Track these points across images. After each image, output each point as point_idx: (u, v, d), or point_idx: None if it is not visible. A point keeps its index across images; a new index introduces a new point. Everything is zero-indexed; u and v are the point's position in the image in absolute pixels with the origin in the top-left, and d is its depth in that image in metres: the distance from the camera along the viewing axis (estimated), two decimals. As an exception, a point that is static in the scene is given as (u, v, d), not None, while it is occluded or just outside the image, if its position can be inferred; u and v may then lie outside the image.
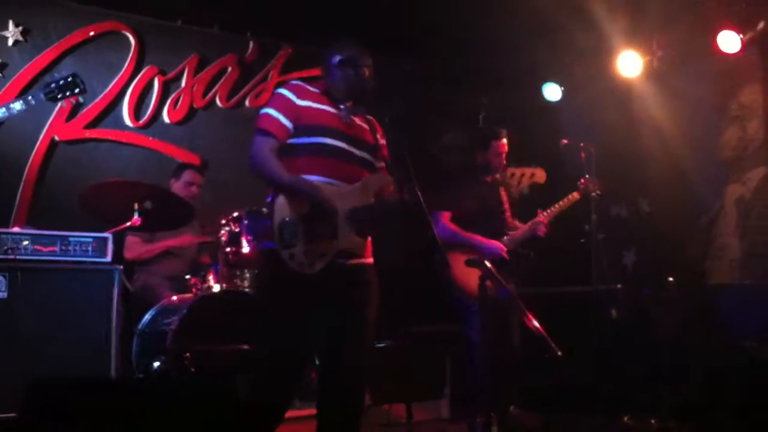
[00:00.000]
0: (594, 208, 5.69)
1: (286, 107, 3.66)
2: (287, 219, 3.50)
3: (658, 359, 5.54)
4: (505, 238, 5.27)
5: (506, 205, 5.35)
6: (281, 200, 3.53)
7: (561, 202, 5.47)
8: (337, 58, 3.79)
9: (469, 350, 5.06)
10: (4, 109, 4.21)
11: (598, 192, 5.63)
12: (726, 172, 6.46)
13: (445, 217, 5.25)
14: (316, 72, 4.57)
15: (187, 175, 5.83)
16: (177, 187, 5.76)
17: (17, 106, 4.28)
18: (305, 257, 3.48)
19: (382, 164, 3.88)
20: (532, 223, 5.32)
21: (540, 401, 5.55)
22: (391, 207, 3.75)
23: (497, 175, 5.39)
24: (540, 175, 3.93)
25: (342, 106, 3.77)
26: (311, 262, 3.49)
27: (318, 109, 3.70)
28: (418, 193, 3.43)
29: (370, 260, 3.75)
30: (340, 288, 3.56)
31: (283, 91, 3.73)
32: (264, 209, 3.65)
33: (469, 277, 4.66)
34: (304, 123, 3.65)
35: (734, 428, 4.35)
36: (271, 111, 3.67)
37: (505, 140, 5.39)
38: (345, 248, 3.59)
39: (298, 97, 3.69)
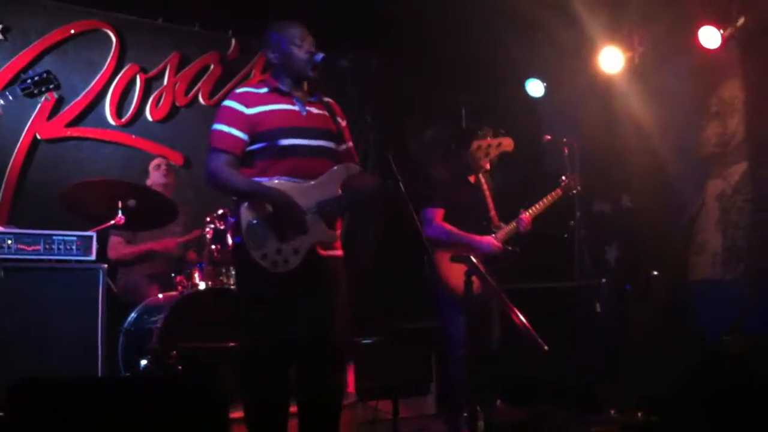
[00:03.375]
0: (577, 205, 5.72)
1: (237, 120, 3.59)
2: (254, 222, 3.51)
3: (640, 353, 5.58)
4: (494, 235, 5.26)
5: (491, 205, 5.35)
6: (245, 205, 3.54)
7: (544, 200, 5.43)
8: (270, 41, 3.74)
9: (450, 347, 5.06)
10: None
11: (579, 188, 5.64)
12: (707, 167, 6.50)
13: (438, 216, 5.22)
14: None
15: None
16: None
17: None
18: (278, 255, 3.50)
19: (347, 146, 3.85)
20: (516, 221, 5.32)
21: (526, 395, 5.57)
22: (361, 196, 3.76)
23: (480, 174, 5.40)
24: (507, 143, 3.85)
25: (295, 99, 3.70)
26: (285, 260, 3.50)
27: (269, 111, 3.63)
28: (402, 189, 3.43)
29: (341, 252, 3.74)
30: (312, 280, 3.55)
31: (230, 103, 3.64)
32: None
33: (454, 275, 4.69)
34: (259, 130, 3.59)
35: (712, 422, 4.38)
36: (222, 127, 3.60)
37: (488, 138, 5.38)
38: (317, 241, 3.58)
39: (247, 106, 3.61)
